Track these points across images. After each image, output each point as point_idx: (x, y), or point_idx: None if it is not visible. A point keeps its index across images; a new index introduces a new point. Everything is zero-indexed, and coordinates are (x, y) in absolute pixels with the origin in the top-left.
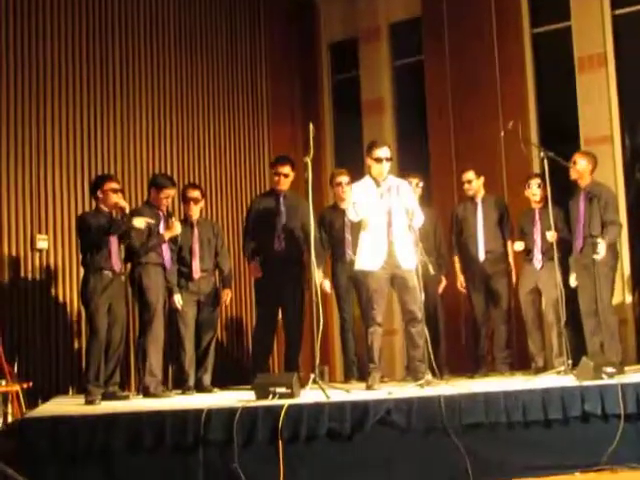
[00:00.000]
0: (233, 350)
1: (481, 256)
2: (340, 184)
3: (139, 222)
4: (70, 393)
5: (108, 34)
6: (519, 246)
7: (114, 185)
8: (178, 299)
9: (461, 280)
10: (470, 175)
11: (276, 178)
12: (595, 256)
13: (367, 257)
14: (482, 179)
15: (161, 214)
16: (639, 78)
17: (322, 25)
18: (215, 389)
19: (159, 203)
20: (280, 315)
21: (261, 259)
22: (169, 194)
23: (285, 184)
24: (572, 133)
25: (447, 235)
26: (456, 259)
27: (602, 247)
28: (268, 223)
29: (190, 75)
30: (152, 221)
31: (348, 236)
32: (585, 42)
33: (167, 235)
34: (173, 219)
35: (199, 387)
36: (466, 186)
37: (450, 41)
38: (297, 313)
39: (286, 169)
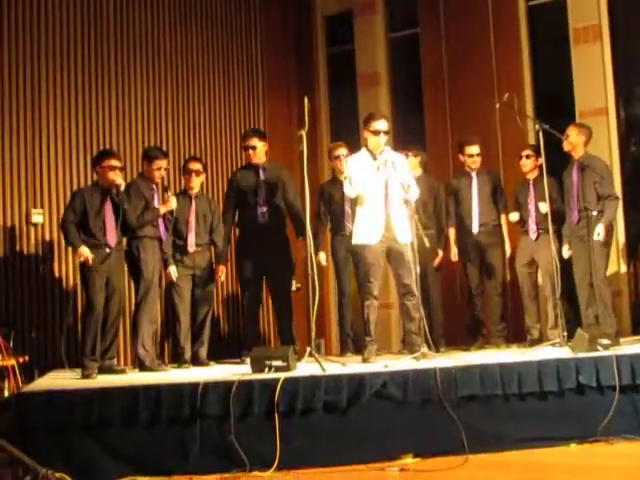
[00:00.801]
0: (229, 324)
1: (475, 228)
2: (339, 157)
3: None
4: (67, 367)
5: (103, 7)
6: (514, 217)
7: (113, 162)
8: (173, 270)
9: (454, 251)
10: (476, 149)
11: (248, 152)
12: (595, 237)
13: (364, 231)
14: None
15: (155, 187)
16: (634, 50)
17: None
18: (211, 363)
19: (152, 175)
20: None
21: (245, 233)
22: (161, 165)
23: (258, 156)
24: (567, 105)
25: (442, 207)
26: (451, 231)
27: (601, 228)
28: (248, 196)
29: (185, 49)
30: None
31: (348, 209)
32: (580, 14)
33: (162, 209)
34: (169, 193)
35: (195, 361)
36: (474, 159)
37: (445, 14)
38: (285, 286)
39: (253, 141)
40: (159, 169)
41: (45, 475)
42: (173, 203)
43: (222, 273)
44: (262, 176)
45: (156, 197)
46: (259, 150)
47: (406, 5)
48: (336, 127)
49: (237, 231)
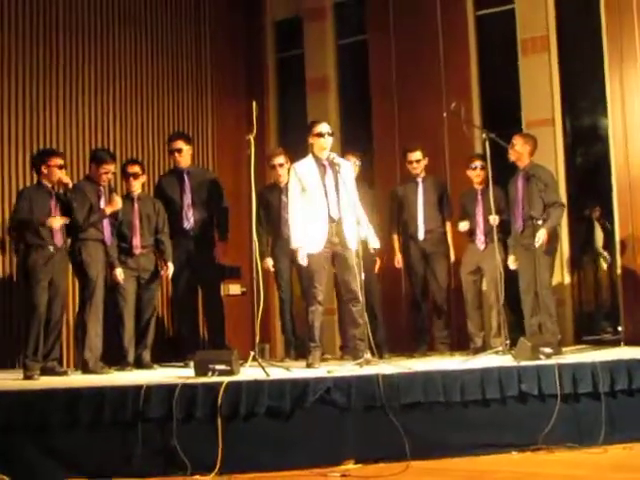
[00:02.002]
0: (173, 327)
1: (420, 235)
2: (274, 167)
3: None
4: (8, 368)
5: (52, 5)
6: (464, 226)
7: (59, 161)
8: (119, 272)
9: (398, 258)
10: (418, 155)
11: (171, 155)
12: (536, 243)
13: (307, 239)
14: (426, 160)
15: (102, 189)
16: (581, 61)
17: (267, 2)
18: (155, 365)
19: (99, 178)
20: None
21: (173, 239)
22: (109, 169)
23: (183, 160)
24: (514, 115)
25: (387, 214)
26: (395, 238)
27: (542, 233)
28: (174, 202)
29: (134, 51)
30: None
31: (285, 215)
32: (528, 25)
33: (108, 210)
34: (114, 194)
35: (139, 364)
36: (414, 165)
37: (394, 21)
38: (215, 290)
39: (178, 144)
40: (106, 173)
41: None
42: (118, 203)
43: (169, 270)
44: (187, 180)
45: (102, 200)
46: (185, 153)
47: (355, 12)
48: (284, 132)
49: None
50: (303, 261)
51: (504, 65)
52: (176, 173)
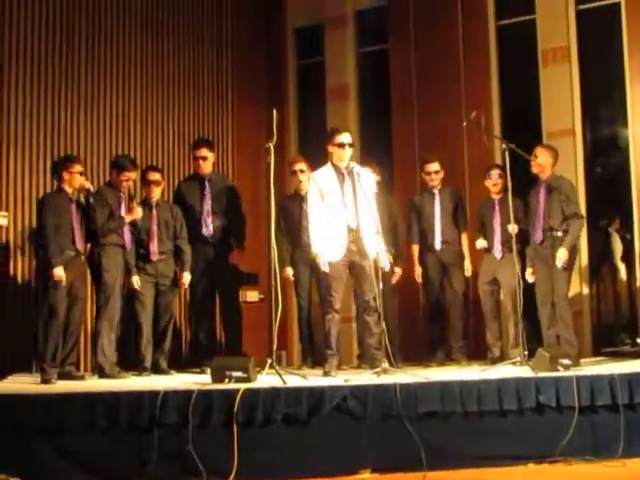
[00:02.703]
0: (190, 333)
1: (437, 245)
2: (295, 173)
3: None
4: (26, 372)
5: (75, 13)
6: (481, 244)
7: (80, 168)
8: (136, 280)
9: (418, 272)
10: (436, 166)
11: (196, 162)
12: (557, 263)
13: (326, 247)
14: (443, 172)
15: (122, 195)
16: (601, 72)
17: (288, 10)
18: (172, 371)
19: (119, 185)
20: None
21: (193, 244)
22: (130, 176)
23: (206, 167)
24: (534, 125)
25: (405, 225)
26: (414, 248)
27: (563, 254)
28: (194, 208)
29: (155, 57)
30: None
31: (305, 223)
32: (549, 35)
33: (128, 218)
34: (135, 203)
35: (156, 369)
36: (432, 176)
37: (415, 30)
38: (233, 297)
39: (203, 152)
40: (127, 180)
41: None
42: (139, 212)
43: (187, 280)
44: (208, 187)
45: (122, 206)
46: (209, 160)
47: (376, 21)
48: (304, 140)
49: None
50: (325, 267)
51: (524, 75)
52: (197, 179)
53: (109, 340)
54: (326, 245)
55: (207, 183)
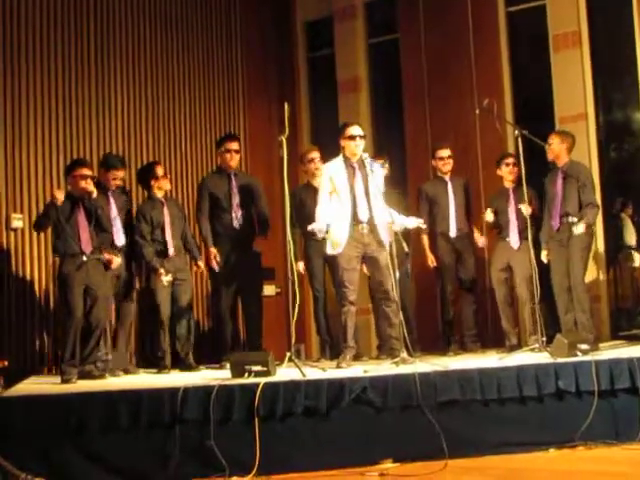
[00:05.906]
0: (209, 328)
1: (453, 233)
2: (312, 160)
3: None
4: (46, 372)
5: (83, 10)
6: (489, 216)
7: (84, 171)
8: (164, 276)
9: (432, 258)
10: (447, 152)
11: (227, 155)
12: (573, 229)
13: (338, 239)
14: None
15: (109, 194)
16: (613, 56)
17: (297, 3)
18: (200, 367)
19: (108, 183)
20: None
21: (219, 238)
22: (117, 175)
23: (236, 161)
24: (547, 111)
25: (416, 213)
26: (425, 237)
27: (581, 226)
28: (222, 202)
29: (165, 52)
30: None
31: None
32: (560, 20)
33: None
34: (113, 256)
35: (183, 365)
36: (445, 161)
37: (425, 19)
38: (256, 290)
39: (235, 145)
40: (115, 179)
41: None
42: (117, 261)
43: (199, 270)
44: (234, 181)
45: (113, 205)
46: (239, 155)
47: (386, 11)
48: (316, 132)
49: None
50: (320, 233)
51: (536, 61)
52: (224, 173)
53: (123, 338)
54: (327, 219)
55: (233, 177)
